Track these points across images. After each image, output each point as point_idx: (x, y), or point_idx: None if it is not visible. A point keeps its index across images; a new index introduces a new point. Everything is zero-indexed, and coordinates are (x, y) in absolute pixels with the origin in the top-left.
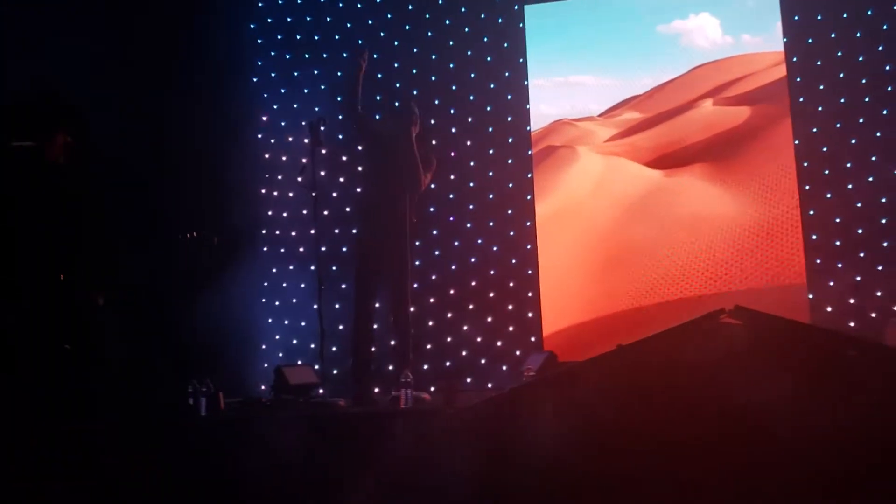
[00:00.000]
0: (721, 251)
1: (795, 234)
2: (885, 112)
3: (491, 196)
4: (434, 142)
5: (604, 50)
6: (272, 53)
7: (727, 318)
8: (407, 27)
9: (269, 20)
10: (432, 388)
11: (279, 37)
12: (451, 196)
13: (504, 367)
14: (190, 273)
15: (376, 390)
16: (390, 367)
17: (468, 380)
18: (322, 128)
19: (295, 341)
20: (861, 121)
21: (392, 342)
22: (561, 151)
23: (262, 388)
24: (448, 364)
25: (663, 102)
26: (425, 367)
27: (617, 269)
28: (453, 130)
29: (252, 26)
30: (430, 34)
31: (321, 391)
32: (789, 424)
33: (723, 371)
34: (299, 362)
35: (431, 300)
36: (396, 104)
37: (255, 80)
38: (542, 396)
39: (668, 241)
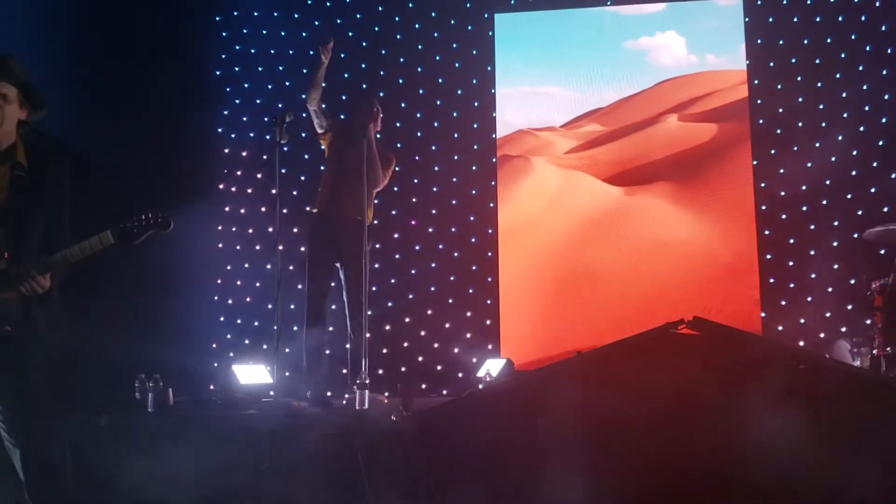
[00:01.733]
0: (678, 275)
1: (754, 258)
2: (840, 137)
3: (454, 202)
4: (399, 145)
5: (571, 62)
6: (237, 47)
7: (685, 328)
8: (376, 28)
9: (235, 13)
10: (386, 393)
11: (244, 31)
12: (413, 200)
13: (460, 374)
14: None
15: (329, 393)
16: (344, 371)
17: (423, 385)
18: (287, 120)
19: (247, 341)
20: (817, 145)
21: (347, 345)
22: (515, 162)
23: (211, 387)
24: (404, 369)
25: (627, 116)
26: (380, 371)
27: (569, 290)
28: (419, 134)
29: (217, 18)
30: (399, 37)
31: (272, 392)
32: (741, 432)
33: (680, 379)
34: (250, 362)
35: (389, 304)
36: (356, 99)
37: (217, 73)
38: (500, 401)
39: (623, 264)
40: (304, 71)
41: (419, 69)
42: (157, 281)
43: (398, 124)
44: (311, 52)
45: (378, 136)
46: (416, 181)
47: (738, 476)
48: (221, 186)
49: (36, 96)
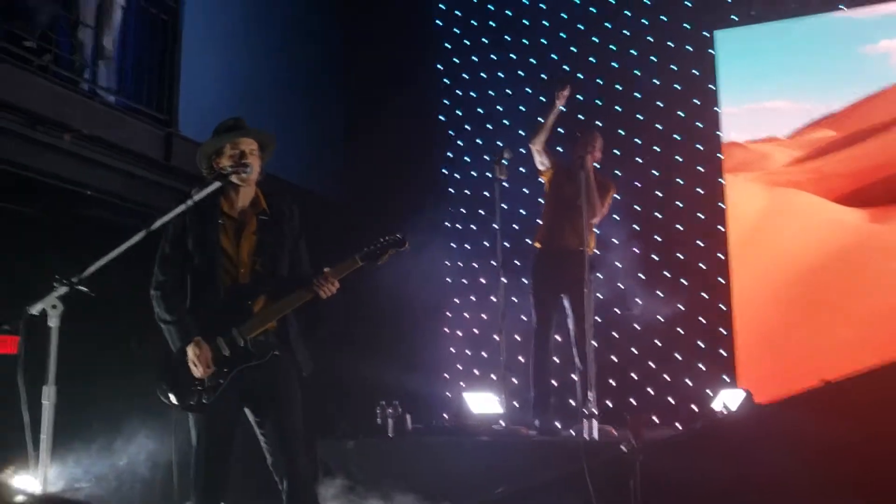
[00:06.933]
0: None
1: None
2: None
3: (679, 227)
4: (618, 172)
5: (800, 73)
6: (458, 93)
7: None
8: (592, 59)
9: (456, 60)
10: (614, 427)
11: (465, 76)
12: (634, 227)
13: (694, 407)
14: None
15: (558, 424)
16: (571, 402)
17: (654, 418)
18: (506, 157)
19: (476, 371)
20: None
21: (573, 375)
22: None
23: (444, 415)
24: (633, 401)
25: (869, 117)
26: (609, 403)
27: (813, 317)
28: (639, 160)
29: (439, 66)
30: (615, 65)
31: (502, 422)
32: None
33: None
34: (481, 391)
35: (615, 334)
36: (579, 134)
37: (441, 118)
38: (735, 432)
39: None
40: (522, 108)
41: (637, 95)
42: (393, 315)
43: (617, 152)
44: (529, 91)
45: (596, 165)
46: (636, 208)
47: None
48: (448, 224)
49: (271, 144)
